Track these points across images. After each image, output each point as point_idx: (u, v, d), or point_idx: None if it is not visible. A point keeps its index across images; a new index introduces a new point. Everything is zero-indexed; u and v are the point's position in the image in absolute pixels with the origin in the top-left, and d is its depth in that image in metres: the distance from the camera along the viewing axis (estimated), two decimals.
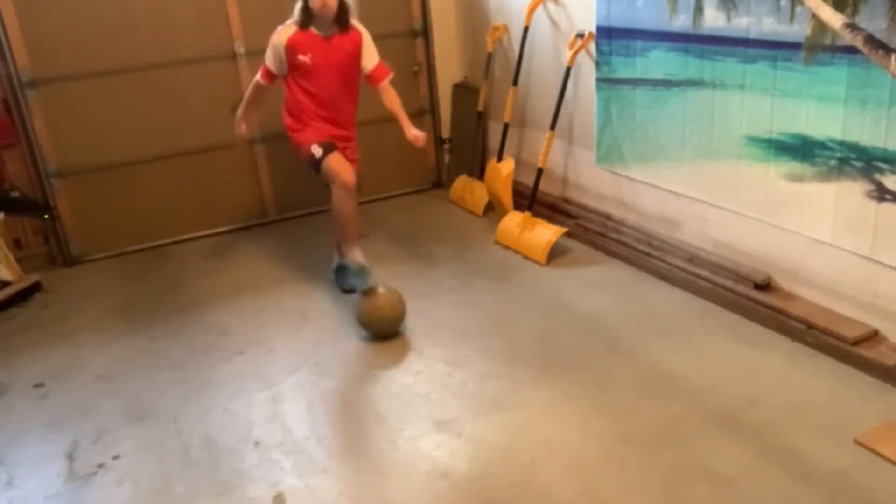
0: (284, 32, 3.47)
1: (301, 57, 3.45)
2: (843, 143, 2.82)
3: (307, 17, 3.42)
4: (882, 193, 2.73)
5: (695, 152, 3.49)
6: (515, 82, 4.52)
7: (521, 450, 2.60)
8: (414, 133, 3.64)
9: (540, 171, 4.24)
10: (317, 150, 3.48)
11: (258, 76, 3.63)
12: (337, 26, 3.48)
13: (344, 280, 3.76)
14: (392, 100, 3.69)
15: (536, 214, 4.25)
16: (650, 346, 3.18)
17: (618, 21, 3.73)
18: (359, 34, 3.57)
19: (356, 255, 3.50)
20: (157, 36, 4.44)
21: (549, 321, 3.45)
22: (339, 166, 3.46)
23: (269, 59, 3.55)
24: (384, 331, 3.40)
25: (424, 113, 5.28)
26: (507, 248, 4.27)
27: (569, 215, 4.37)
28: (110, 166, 4.52)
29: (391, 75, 3.70)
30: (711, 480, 2.38)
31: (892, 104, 2.61)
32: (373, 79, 3.66)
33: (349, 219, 3.50)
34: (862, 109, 2.72)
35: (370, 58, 3.62)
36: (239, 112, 3.78)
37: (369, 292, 3.38)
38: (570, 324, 3.41)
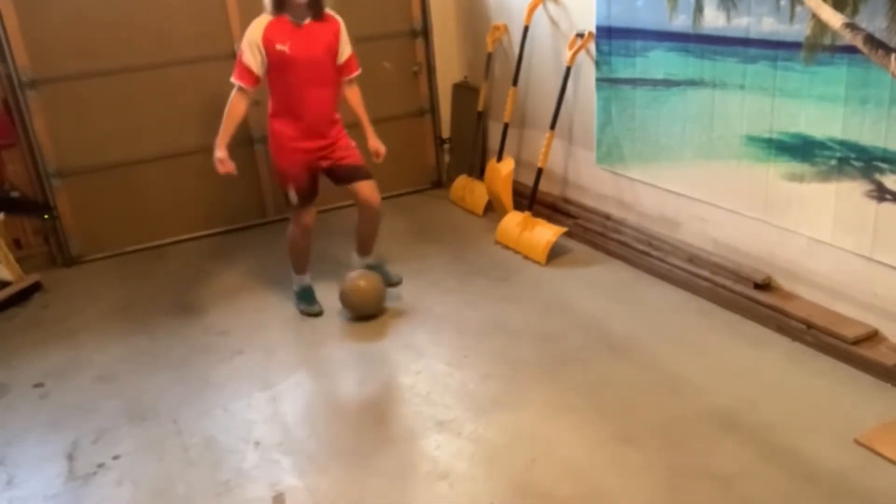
0: (259, 24, 3.27)
1: (279, 46, 3.26)
2: (843, 143, 2.82)
3: (280, 2, 3.28)
4: (882, 193, 2.73)
5: (695, 152, 3.49)
6: (515, 82, 4.52)
7: (521, 450, 2.60)
8: (377, 146, 3.62)
9: (540, 171, 4.24)
10: (293, 197, 3.47)
11: (238, 84, 3.31)
12: (311, 13, 3.32)
13: (385, 276, 3.83)
14: (357, 98, 3.63)
15: (536, 214, 4.25)
16: (650, 346, 3.18)
17: (618, 21, 3.73)
18: (336, 23, 3.43)
19: (303, 279, 3.78)
20: (157, 36, 4.44)
21: (549, 321, 3.45)
22: (305, 215, 3.54)
23: (249, 58, 3.27)
24: (361, 311, 3.58)
25: (424, 113, 5.28)
26: (507, 247, 4.27)
27: (569, 215, 4.37)
28: (110, 166, 4.52)
29: (359, 72, 3.60)
30: (711, 480, 2.38)
31: (892, 104, 2.61)
32: (345, 70, 3.53)
33: (299, 251, 3.68)
34: (862, 109, 2.72)
35: (345, 48, 3.49)
36: (219, 139, 3.33)
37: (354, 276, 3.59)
38: (569, 324, 3.41)
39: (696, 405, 2.75)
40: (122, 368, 3.35)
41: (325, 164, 3.50)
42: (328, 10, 3.42)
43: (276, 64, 3.30)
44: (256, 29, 3.28)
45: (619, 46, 3.76)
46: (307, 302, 3.75)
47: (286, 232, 3.69)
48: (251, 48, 3.28)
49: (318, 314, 3.70)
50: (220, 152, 3.33)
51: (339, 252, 4.21)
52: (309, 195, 3.51)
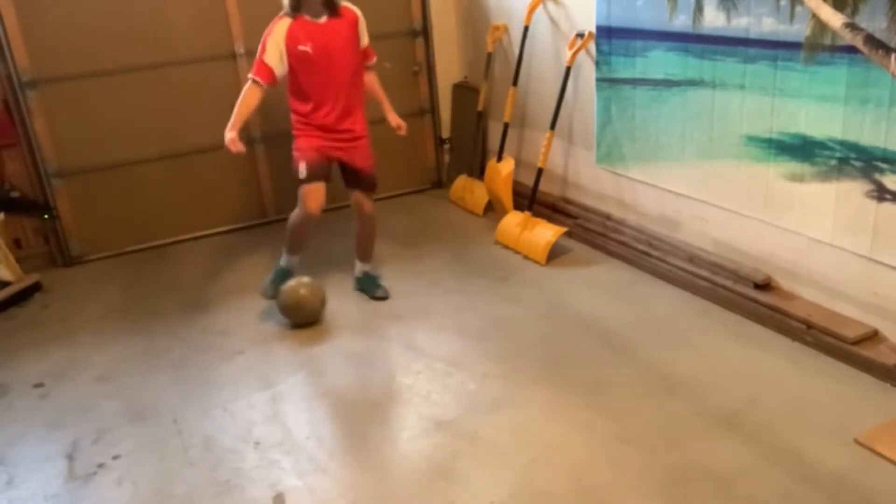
0: (282, 25, 3.33)
1: (301, 47, 3.32)
2: (843, 143, 2.82)
3: (297, 2, 3.32)
4: (882, 193, 2.73)
5: (695, 152, 3.49)
6: (515, 82, 4.52)
7: (520, 450, 2.60)
8: (398, 121, 3.70)
9: (540, 171, 4.24)
10: (302, 171, 3.46)
11: (254, 78, 3.35)
12: (328, 10, 3.37)
13: (368, 288, 3.83)
14: (374, 81, 3.72)
15: (536, 214, 4.25)
16: (650, 345, 3.18)
17: (618, 21, 3.73)
18: (354, 14, 3.48)
19: (290, 260, 3.74)
20: (157, 36, 4.44)
21: (549, 321, 3.45)
22: (312, 198, 3.47)
23: (271, 57, 3.33)
24: (301, 319, 3.54)
25: (424, 113, 5.28)
26: (507, 247, 4.27)
27: (569, 215, 4.37)
28: (110, 166, 4.52)
29: (376, 59, 3.69)
30: (711, 480, 2.38)
31: (892, 104, 2.61)
32: (365, 58, 3.62)
33: (297, 235, 3.65)
34: (862, 109, 2.72)
35: (364, 38, 3.56)
36: (231, 123, 3.34)
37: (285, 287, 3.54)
38: (569, 324, 3.41)
39: (696, 405, 2.75)
40: (121, 368, 3.35)
41: (342, 156, 3.55)
42: (345, 3, 3.46)
43: (299, 64, 3.36)
44: (280, 31, 3.33)
45: (619, 46, 3.76)
46: (276, 283, 3.66)
47: (292, 213, 3.63)
48: (275, 48, 3.32)
49: (270, 297, 3.67)
50: (232, 133, 3.32)
51: (338, 251, 4.22)
52: (318, 173, 3.49)
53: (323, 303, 3.58)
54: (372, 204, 3.69)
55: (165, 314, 3.82)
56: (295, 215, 3.59)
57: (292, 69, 3.39)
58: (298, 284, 3.53)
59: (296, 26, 3.33)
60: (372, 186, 3.67)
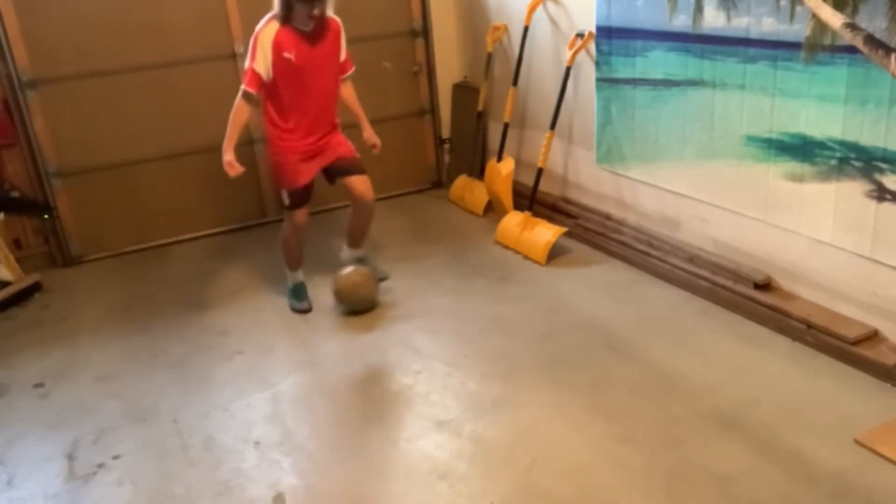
0: (269, 30, 3.31)
1: (286, 55, 3.30)
2: (843, 143, 2.82)
3: (288, 12, 3.29)
4: (882, 193, 2.73)
5: (695, 152, 3.49)
6: (515, 82, 4.52)
7: (521, 450, 2.60)
8: (373, 138, 3.71)
9: (540, 171, 4.24)
10: (285, 199, 3.54)
11: (245, 88, 3.34)
12: (315, 20, 3.34)
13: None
14: (352, 94, 3.71)
15: (536, 214, 4.25)
16: (650, 346, 3.18)
17: (618, 21, 3.73)
18: (337, 25, 3.49)
19: (296, 276, 3.82)
20: (157, 36, 4.44)
21: (549, 321, 3.45)
22: (298, 216, 3.59)
23: (258, 63, 3.30)
24: (356, 306, 3.63)
25: (424, 113, 5.28)
26: (507, 247, 4.27)
27: (569, 215, 4.37)
28: (110, 166, 4.52)
29: (353, 70, 3.66)
30: (711, 480, 2.38)
31: (892, 104, 2.61)
32: (341, 69, 3.60)
33: (291, 247, 3.73)
34: (862, 109, 2.72)
35: (343, 48, 3.56)
36: (225, 143, 3.38)
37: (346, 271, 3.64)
38: (569, 324, 3.41)
39: (696, 405, 2.75)
40: (122, 368, 3.35)
41: (319, 162, 3.55)
42: (329, 14, 3.44)
43: (282, 71, 3.34)
44: (267, 36, 3.31)
45: (619, 46, 3.76)
46: (297, 298, 3.78)
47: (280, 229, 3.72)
48: (263, 55, 3.31)
49: (307, 311, 3.74)
50: (228, 156, 3.40)
51: (334, 251, 4.21)
52: (301, 200, 3.56)
53: (376, 285, 3.70)
54: (372, 190, 3.63)
55: (165, 314, 3.82)
56: (284, 229, 3.67)
57: (275, 76, 3.35)
58: (352, 273, 3.64)
59: (283, 33, 3.30)
60: (362, 168, 3.61)
